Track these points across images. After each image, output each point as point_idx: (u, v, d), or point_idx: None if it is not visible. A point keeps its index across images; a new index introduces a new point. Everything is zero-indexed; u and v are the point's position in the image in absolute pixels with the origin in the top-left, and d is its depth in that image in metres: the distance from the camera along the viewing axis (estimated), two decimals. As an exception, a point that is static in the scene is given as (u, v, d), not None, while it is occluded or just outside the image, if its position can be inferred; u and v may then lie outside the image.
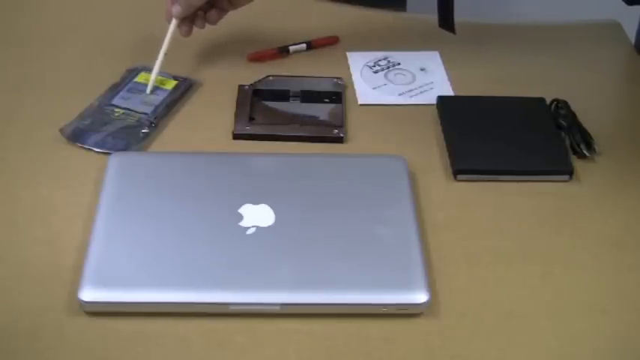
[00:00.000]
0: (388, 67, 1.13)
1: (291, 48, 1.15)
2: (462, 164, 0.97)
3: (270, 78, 1.09)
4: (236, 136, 1.01)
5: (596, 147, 1.00)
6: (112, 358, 0.77)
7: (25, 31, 1.19)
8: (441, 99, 1.07)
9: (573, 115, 1.03)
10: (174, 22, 1.06)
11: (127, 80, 1.08)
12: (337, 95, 1.08)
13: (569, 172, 0.97)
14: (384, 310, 0.81)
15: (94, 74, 1.09)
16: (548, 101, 1.05)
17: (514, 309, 0.83)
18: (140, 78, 1.08)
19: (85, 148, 0.98)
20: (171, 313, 0.80)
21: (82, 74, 1.10)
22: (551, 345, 0.80)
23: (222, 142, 1.00)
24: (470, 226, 0.91)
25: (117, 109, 1.03)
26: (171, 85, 1.07)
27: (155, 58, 1.06)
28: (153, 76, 1.06)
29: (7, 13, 1.22)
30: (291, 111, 1.06)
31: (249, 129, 1.02)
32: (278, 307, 0.80)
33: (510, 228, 0.91)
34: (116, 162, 0.93)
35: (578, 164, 0.98)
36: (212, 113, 1.04)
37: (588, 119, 1.03)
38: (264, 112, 1.05)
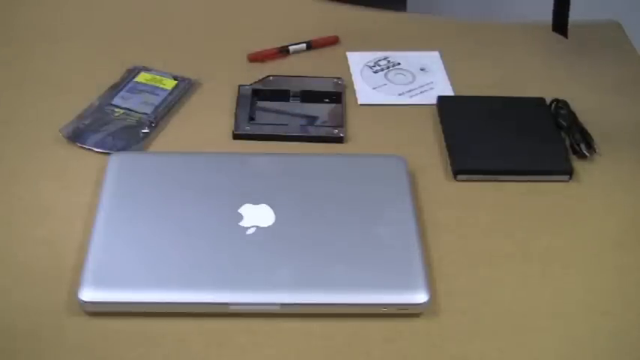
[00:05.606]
0: (388, 67, 1.13)
1: (291, 48, 1.15)
2: (462, 164, 0.97)
3: (270, 78, 1.09)
4: (236, 136, 1.01)
5: (596, 147, 1.00)
6: (112, 358, 0.77)
7: (25, 30, 1.18)
8: (441, 99, 1.07)
9: (573, 115, 1.03)
10: None
11: (127, 80, 1.08)
12: (337, 95, 1.08)
13: (569, 172, 0.97)
14: (384, 310, 0.81)
15: (94, 74, 1.09)
16: (548, 101, 1.05)
17: (514, 309, 0.83)
18: (140, 78, 1.08)
19: (85, 148, 0.98)
20: (171, 313, 0.80)
21: (82, 74, 1.10)
22: (551, 345, 0.80)
23: (222, 142, 1.00)
24: (470, 226, 0.91)
25: (117, 109, 1.03)
26: (171, 85, 1.07)
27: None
28: None
29: (7, 13, 1.22)
30: (291, 111, 1.06)
31: (249, 129, 1.02)
32: (278, 307, 0.80)
33: (510, 228, 0.91)
34: (116, 162, 0.93)
35: (578, 164, 0.98)
36: (212, 113, 1.04)
37: (588, 119, 1.03)
38: (264, 112, 1.05)
